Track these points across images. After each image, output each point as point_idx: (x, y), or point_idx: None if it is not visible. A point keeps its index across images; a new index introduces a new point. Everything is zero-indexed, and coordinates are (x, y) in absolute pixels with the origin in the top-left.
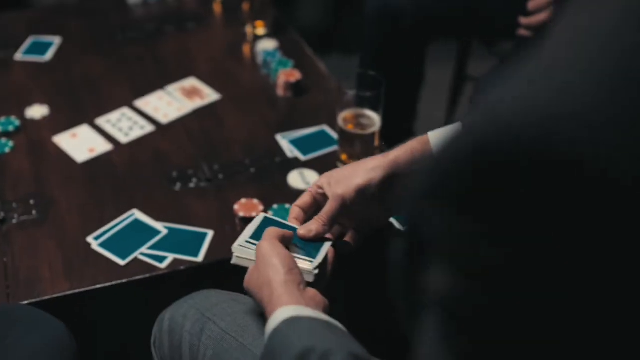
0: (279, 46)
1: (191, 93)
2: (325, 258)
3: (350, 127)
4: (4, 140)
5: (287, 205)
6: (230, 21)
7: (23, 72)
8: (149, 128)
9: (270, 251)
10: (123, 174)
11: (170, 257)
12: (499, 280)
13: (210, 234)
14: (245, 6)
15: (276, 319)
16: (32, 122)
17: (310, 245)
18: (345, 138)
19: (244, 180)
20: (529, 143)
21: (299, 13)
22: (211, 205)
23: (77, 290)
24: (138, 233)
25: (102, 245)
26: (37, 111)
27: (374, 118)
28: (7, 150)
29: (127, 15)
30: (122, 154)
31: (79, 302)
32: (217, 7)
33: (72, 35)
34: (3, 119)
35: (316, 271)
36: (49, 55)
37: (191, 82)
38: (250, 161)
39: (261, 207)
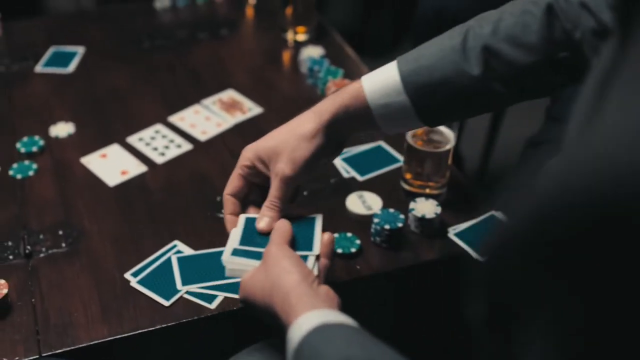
0: (325, 54)
1: (231, 107)
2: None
3: (419, 144)
4: (27, 162)
5: (349, 234)
6: (266, 26)
7: (44, 86)
8: (186, 146)
9: (280, 253)
10: (161, 200)
11: (221, 295)
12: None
13: None
14: (288, 10)
15: (301, 327)
16: (57, 141)
17: (301, 236)
18: (414, 156)
19: (297, 205)
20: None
21: (327, 17)
22: None
23: (117, 336)
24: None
25: (142, 282)
26: (62, 129)
27: (448, 134)
28: (30, 173)
29: (154, 21)
30: (158, 177)
31: (119, 350)
32: (250, 12)
33: (96, 44)
34: (25, 139)
35: (315, 263)
36: (72, 66)
37: (229, 94)
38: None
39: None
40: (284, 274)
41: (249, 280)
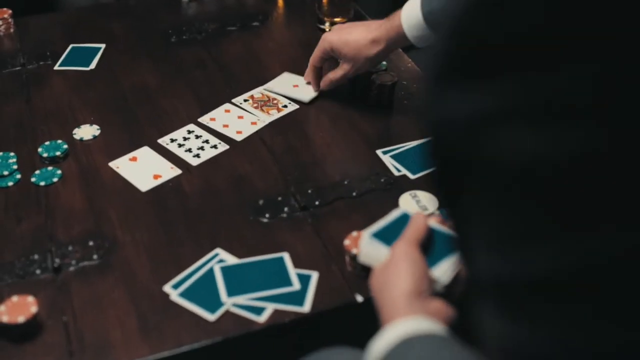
0: None
1: (265, 103)
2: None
3: None
4: (50, 168)
5: None
6: (299, 17)
7: (65, 86)
8: (222, 147)
9: (404, 255)
10: (198, 204)
11: (270, 307)
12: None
13: (314, 276)
14: (325, 1)
15: (390, 335)
16: (82, 144)
17: (442, 249)
18: None
19: (346, 207)
20: None
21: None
22: (310, 239)
23: (158, 355)
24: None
25: (183, 295)
26: (86, 131)
27: None
28: (55, 180)
29: (179, 14)
30: (193, 180)
31: None
32: (281, 1)
33: (118, 40)
34: (48, 143)
35: (445, 281)
36: (93, 64)
37: (261, 90)
38: (350, 182)
39: None
40: (398, 279)
41: (375, 272)
